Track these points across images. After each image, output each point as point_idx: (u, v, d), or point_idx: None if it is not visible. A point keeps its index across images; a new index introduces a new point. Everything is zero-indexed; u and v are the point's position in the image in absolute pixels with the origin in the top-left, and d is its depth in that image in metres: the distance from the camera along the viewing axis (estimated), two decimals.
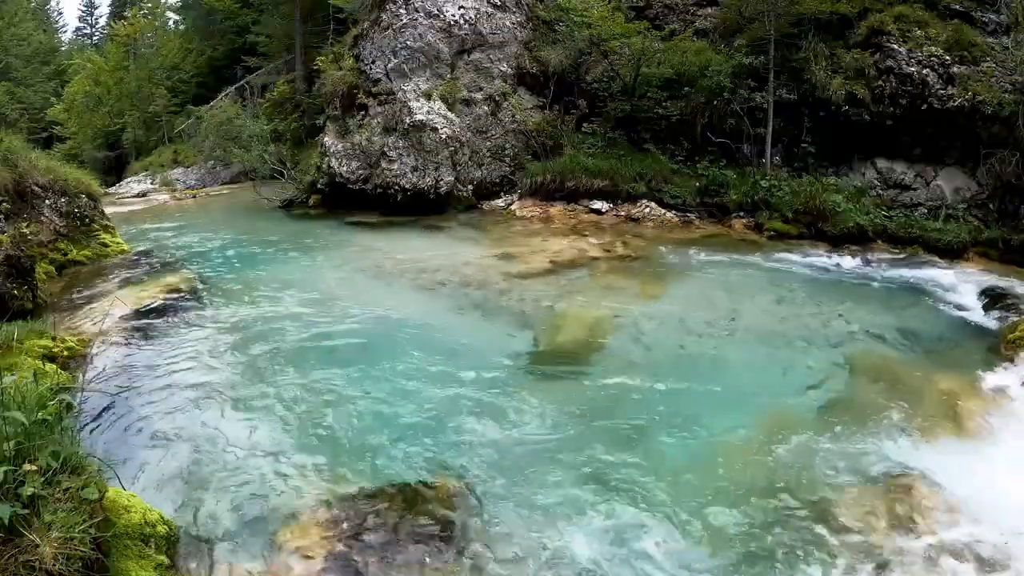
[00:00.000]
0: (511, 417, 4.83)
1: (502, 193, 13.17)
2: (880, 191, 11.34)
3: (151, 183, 22.69)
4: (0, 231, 7.31)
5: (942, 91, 10.62)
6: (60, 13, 65.42)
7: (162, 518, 3.35)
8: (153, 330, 6.02)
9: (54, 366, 4.74)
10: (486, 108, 13.49)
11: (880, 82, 11.18)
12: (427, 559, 3.46)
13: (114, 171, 29.18)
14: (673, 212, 11.76)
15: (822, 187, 11.07)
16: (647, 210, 11.76)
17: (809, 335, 6.60)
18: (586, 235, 10.65)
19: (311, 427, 4.60)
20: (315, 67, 17.13)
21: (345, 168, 13.26)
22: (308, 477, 4.05)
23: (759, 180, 11.50)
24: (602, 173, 12.19)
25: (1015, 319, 6.82)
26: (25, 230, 7.60)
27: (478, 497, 3.95)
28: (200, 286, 7.44)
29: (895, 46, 11.20)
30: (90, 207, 8.72)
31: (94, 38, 52.99)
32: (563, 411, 4.95)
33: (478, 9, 13.73)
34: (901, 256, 9.75)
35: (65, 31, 55.05)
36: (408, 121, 12.69)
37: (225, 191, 19.71)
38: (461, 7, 13.57)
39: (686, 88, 12.56)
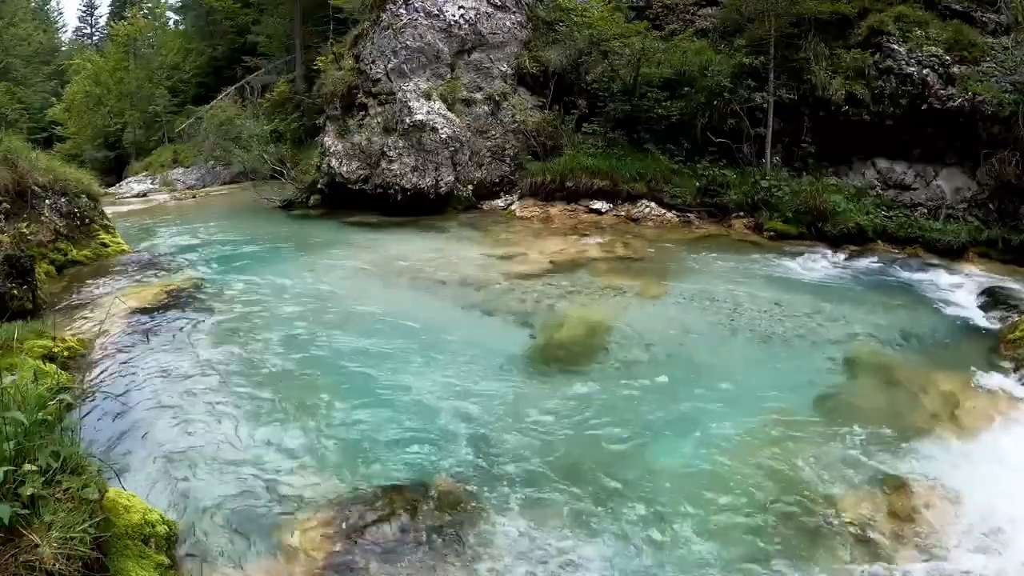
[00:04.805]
0: (511, 417, 4.83)
1: (502, 193, 13.16)
2: (880, 191, 11.32)
3: (151, 183, 22.72)
4: (0, 231, 7.31)
5: (942, 91, 10.61)
6: (60, 13, 65.56)
7: (162, 518, 3.35)
8: (153, 330, 6.02)
9: (54, 366, 4.73)
10: (486, 108, 13.49)
11: (880, 82, 11.18)
12: (428, 559, 3.46)
13: (114, 171, 29.20)
14: (673, 212, 11.76)
15: (822, 187, 11.06)
16: (647, 210, 11.76)
17: (809, 335, 6.60)
18: (586, 235, 10.65)
19: (311, 427, 4.60)
20: (315, 67, 17.14)
21: (345, 168, 13.26)
22: (308, 477, 4.05)
23: (759, 180, 11.49)
24: (602, 173, 12.18)
25: (1015, 319, 6.82)
26: (25, 230, 7.60)
27: (478, 497, 3.95)
28: (200, 286, 7.43)
29: (895, 46, 11.19)
30: (90, 207, 8.71)
31: (94, 38, 53.04)
32: (564, 411, 4.95)
33: (478, 9, 13.73)
34: (901, 256, 9.74)
35: (65, 31, 55.20)
36: (408, 121, 12.69)
37: (225, 191, 19.71)
38: (461, 7, 13.57)
39: (686, 88, 12.56)
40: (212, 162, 21.22)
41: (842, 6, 11.70)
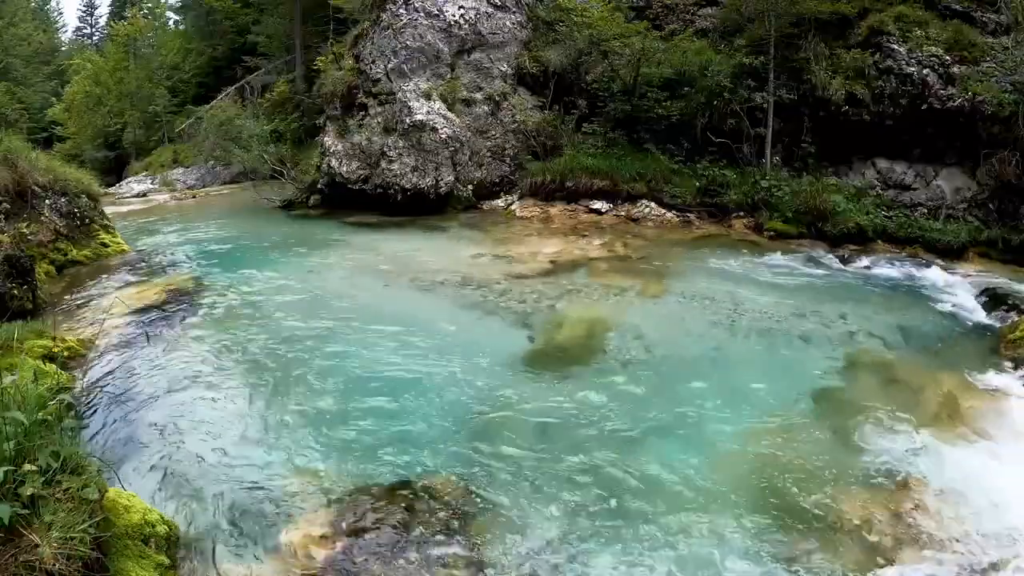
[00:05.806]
0: (510, 416, 4.83)
1: (502, 193, 13.16)
2: (880, 191, 11.32)
3: (151, 183, 22.73)
4: (0, 231, 7.31)
5: (942, 91, 10.61)
6: (60, 13, 65.64)
7: (162, 518, 3.35)
8: (153, 329, 6.02)
9: (54, 366, 4.73)
10: (486, 108, 13.49)
11: (880, 82, 11.18)
12: (427, 559, 3.46)
13: (114, 171, 29.20)
14: (673, 212, 11.76)
15: (822, 187, 11.06)
16: (647, 210, 11.76)
17: (809, 335, 6.60)
18: (586, 235, 10.65)
19: (311, 427, 4.60)
20: (315, 67, 17.14)
21: (345, 168, 13.26)
22: (308, 477, 4.05)
23: (759, 180, 11.49)
24: (602, 173, 12.18)
25: (1015, 319, 6.82)
26: (25, 230, 7.60)
27: (478, 497, 3.95)
28: (199, 285, 7.44)
29: (895, 46, 11.19)
30: (90, 207, 8.72)
31: (94, 38, 53.07)
32: (563, 411, 4.95)
33: (478, 9, 13.73)
34: (901, 256, 9.74)
35: (65, 31, 55.25)
36: (408, 121, 12.69)
37: (225, 191, 19.71)
38: (461, 7, 13.57)
39: (686, 88, 12.56)
40: (212, 162, 21.22)
41: (842, 6, 11.70)
